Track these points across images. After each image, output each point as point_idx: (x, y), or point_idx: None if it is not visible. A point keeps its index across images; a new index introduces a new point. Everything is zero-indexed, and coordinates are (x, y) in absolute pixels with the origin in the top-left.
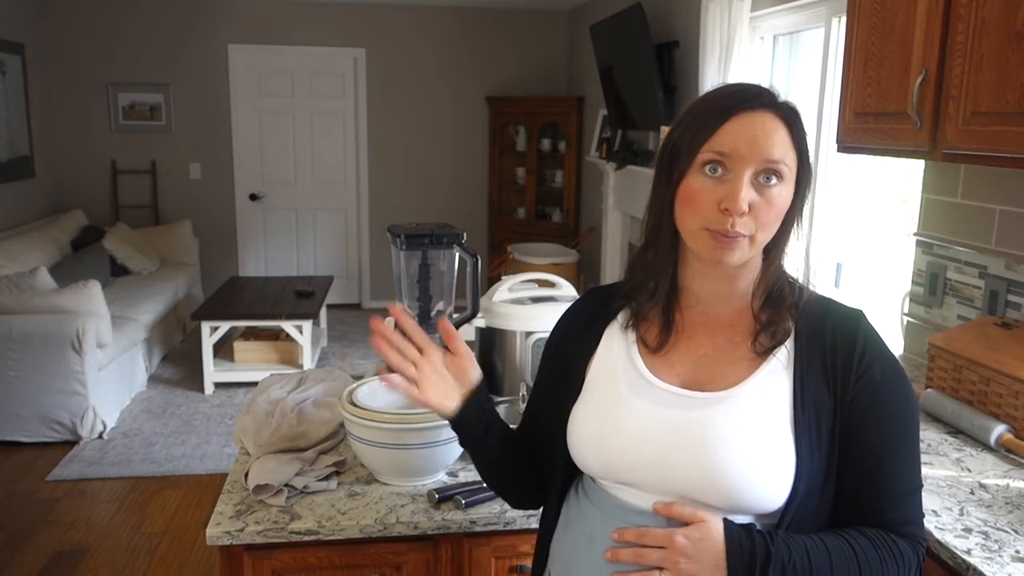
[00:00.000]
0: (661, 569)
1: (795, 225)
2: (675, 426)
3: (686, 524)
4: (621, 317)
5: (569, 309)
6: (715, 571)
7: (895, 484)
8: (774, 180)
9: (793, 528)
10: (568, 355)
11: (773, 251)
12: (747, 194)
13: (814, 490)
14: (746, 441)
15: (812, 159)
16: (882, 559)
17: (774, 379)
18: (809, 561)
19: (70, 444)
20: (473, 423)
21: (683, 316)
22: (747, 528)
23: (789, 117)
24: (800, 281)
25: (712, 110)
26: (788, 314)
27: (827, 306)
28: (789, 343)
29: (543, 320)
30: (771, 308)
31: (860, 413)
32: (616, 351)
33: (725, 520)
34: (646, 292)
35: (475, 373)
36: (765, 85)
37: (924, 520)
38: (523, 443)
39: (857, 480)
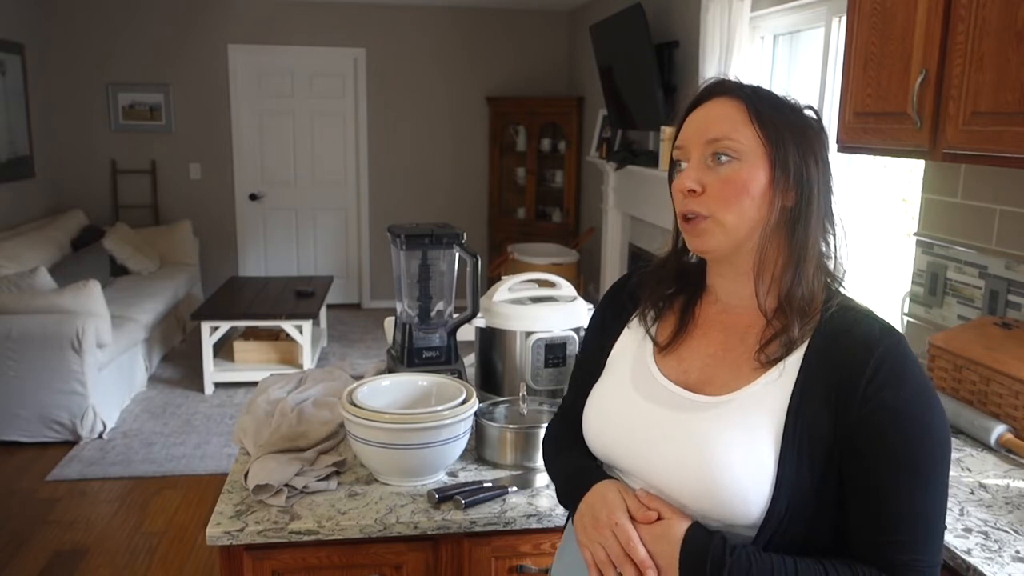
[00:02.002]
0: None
1: (806, 220)
2: (663, 424)
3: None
4: (639, 310)
5: (611, 289)
6: (668, 569)
7: (901, 523)
8: (725, 159)
9: (773, 549)
10: (603, 337)
11: (790, 250)
12: (693, 174)
13: (799, 511)
14: (725, 449)
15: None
16: None
17: (771, 390)
18: None
19: (70, 444)
20: None
21: (703, 310)
22: (711, 534)
23: (748, 98)
24: (834, 289)
25: (679, 115)
26: (800, 322)
27: (854, 320)
28: (799, 354)
29: (543, 320)
30: (785, 314)
31: (864, 439)
32: (631, 340)
33: (694, 523)
34: (666, 289)
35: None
36: (728, 77)
37: (937, 567)
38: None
39: (860, 513)
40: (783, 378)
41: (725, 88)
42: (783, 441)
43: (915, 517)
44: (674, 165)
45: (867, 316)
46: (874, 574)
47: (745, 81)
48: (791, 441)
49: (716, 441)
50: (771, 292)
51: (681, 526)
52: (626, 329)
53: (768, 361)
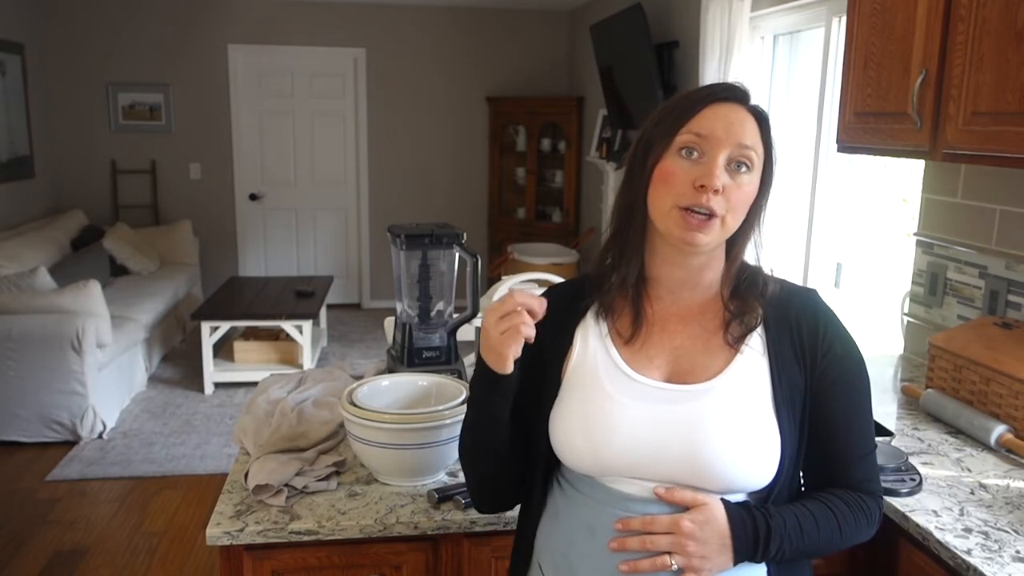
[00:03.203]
0: (671, 554)
1: (759, 219)
2: (665, 420)
3: (686, 508)
4: (592, 312)
5: (549, 298)
6: (722, 550)
7: (859, 447)
8: (744, 169)
9: (777, 500)
10: (540, 355)
11: (739, 241)
12: (721, 173)
13: (791, 469)
14: (735, 429)
15: (813, 161)
16: (855, 516)
17: (752, 365)
18: (800, 527)
19: (70, 444)
20: (511, 385)
21: (653, 308)
22: (745, 506)
23: (759, 115)
24: (763, 269)
25: (689, 100)
26: (757, 302)
27: (787, 289)
28: (760, 330)
29: None
30: (739, 297)
31: (827, 385)
32: (592, 349)
33: (724, 501)
34: (615, 282)
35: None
36: (745, 87)
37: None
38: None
39: (827, 446)
40: (757, 353)
41: (746, 98)
42: (776, 408)
43: (868, 440)
44: (659, 147)
45: (790, 283)
46: (850, 494)
47: (752, 95)
48: (782, 406)
49: (725, 425)
50: (725, 279)
51: (719, 507)
52: (577, 340)
53: (736, 339)
